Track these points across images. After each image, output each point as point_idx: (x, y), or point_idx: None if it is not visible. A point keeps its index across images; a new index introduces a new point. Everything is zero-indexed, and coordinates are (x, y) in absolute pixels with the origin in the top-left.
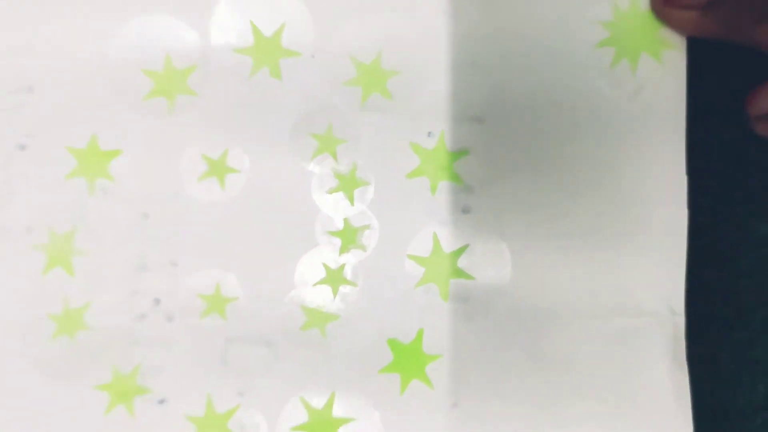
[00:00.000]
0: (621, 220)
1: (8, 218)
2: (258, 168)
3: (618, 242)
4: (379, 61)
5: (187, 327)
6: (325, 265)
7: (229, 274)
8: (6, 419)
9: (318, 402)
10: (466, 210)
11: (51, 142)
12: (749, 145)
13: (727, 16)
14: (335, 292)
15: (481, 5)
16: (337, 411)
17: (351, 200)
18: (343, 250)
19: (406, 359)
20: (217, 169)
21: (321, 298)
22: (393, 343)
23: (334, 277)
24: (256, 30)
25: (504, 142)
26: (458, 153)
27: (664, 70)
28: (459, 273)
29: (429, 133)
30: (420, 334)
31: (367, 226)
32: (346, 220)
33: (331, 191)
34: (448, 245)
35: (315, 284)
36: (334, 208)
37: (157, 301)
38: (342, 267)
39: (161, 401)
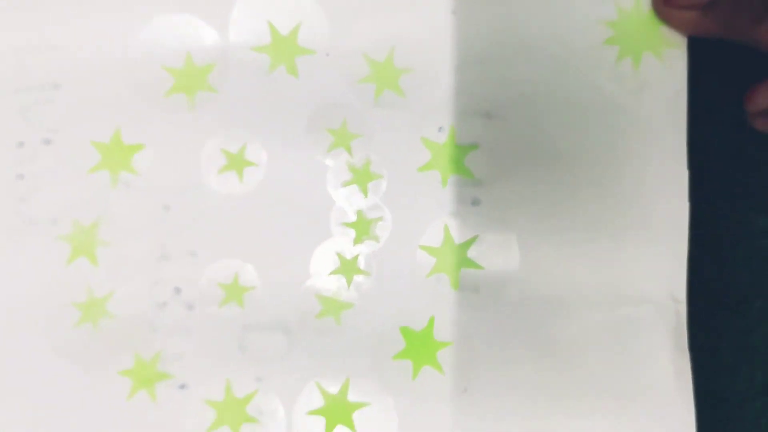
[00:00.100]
0: (625, 212)
1: (34, 210)
2: (275, 162)
3: (622, 234)
4: (391, 59)
5: (207, 315)
6: (339, 256)
7: (247, 264)
8: (32, 403)
9: (333, 387)
10: (475, 202)
11: (76, 137)
12: (748, 140)
13: (726, 16)
14: (349, 282)
15: (490, 6)
16: (352, 396)
17: (365, 193)
18: (357, 240)
19: (418, 346)
20: (236, 162)
21: (336, 287)
22: (405, 331)
23: (348, 267)
24: (273, 29)
25: (512, 136)
26: (468, 147)
27: (665, 67)
28: (469, 263)
29: (439, 129)
30: (431, 321)
31: (380, 218)
32: (359, 212)
33: (345, 184)
34: (458, 236)
35: (330, 274)
36: (349, 201)
37: (177, 290)
38: (356, 257)
39: (182, 386)
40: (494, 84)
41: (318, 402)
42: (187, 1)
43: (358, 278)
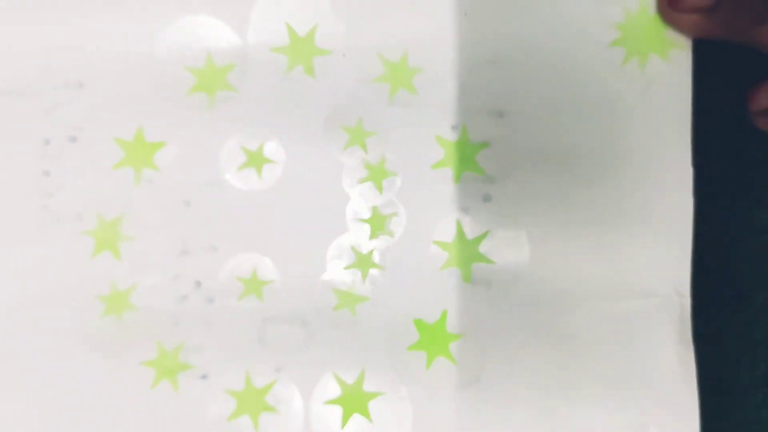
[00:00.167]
0: (631, 208)
1: (60, 206)
2: (293, 159)
3: (628, 229)
4: (405, 59)
5: (227, 308)
6: (355, 250)
7: (266, 258)
8: (58, 393)
9: (349, 377)
10: (486, 199)
11: (100, 135)
12: (750, 139)
13: (728, 18)
14: (365, 275)
15: (501, 9)
16: (368, 386)
17: (380, 189)
18: (372, 236)
19: (431, 338)
20: (255, 159)
21: (351, 280)
22: (419, 323)
23: (363, 262)
24: (290, 30)
25: (522, 134)
26: (479, 145)
27: (671, 68)
28: (480, 257)
29: (452, 127)
30: (444, 314)
31: (395, 214)
32: (374, 208)
33: (361, 181)
34: (470, 232)
35: (346, 268)
36: (364, 197)
37: (198, 284)
38: (371, 252)
39: (203, 376)
40: (505, 84)
41: (335, 392)
42: (209, 4)
43: (373, 272)
